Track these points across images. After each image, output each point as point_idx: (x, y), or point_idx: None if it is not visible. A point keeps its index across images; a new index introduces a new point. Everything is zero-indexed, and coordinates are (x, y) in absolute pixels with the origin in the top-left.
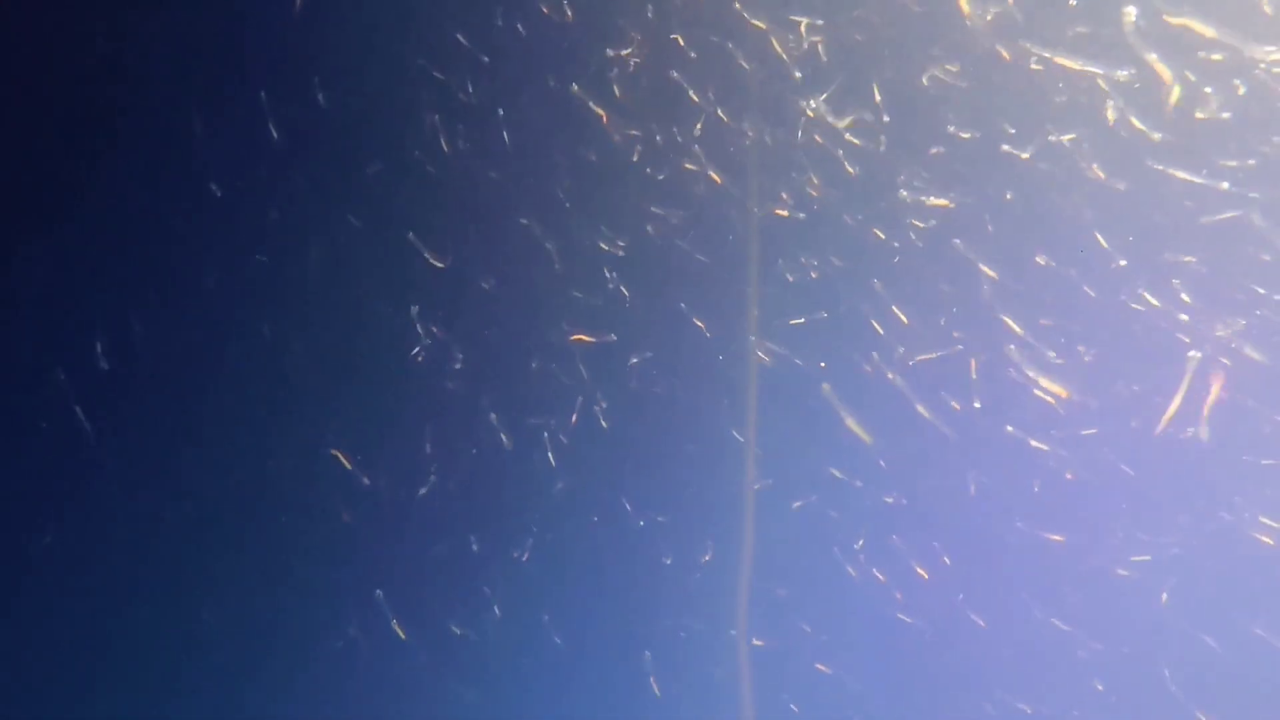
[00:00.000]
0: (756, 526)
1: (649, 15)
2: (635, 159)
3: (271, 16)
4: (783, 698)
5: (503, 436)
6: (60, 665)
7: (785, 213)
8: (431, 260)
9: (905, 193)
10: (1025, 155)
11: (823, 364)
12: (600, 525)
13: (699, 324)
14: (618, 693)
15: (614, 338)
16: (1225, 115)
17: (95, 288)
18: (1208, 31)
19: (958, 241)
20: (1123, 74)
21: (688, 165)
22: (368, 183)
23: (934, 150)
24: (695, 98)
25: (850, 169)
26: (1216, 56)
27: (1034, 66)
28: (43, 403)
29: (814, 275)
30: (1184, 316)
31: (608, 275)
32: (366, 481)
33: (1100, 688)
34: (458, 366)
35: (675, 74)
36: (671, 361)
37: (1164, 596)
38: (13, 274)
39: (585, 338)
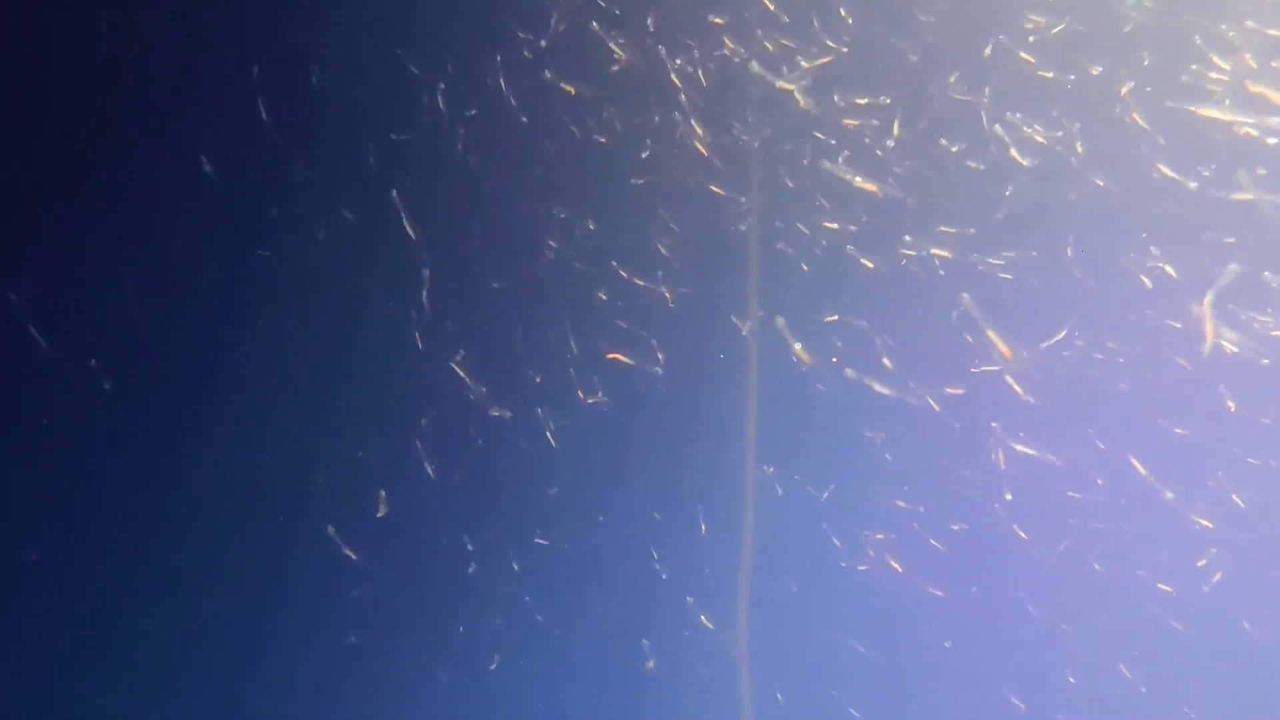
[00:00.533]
0: (757, 526)
1: (649, 15)
2: (639, 157)
3: (272, 12)
4: (781, 697)
5: (503, 434)
6: (60, 665)
7: (787, 212)
8: (430, 258)
9: (906, 193)
10: (1026, 160)
11: (835, 359)
12: (601, 525)
13: (699, 324)
14: (617, 692)
15: (658, 371)
16: (1228, 113)
17: (95, 286)
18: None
19: (959, 241)
20: (1127, 85)
21: (688, 164)
22: (367, 178)
23: (935, 150)
24: (695, 97)
25: (851, 168)
26: (1218, 59)
27: (1041, 74)
28: (42, 400)
29: (815, 275)
30: (1186, 317)
31: (608, 274)
32: (365, 481)
33: (1099, 689)
34: (458, 364)
35: (675, 74)
36: (672, 361)
37: (1170, 590)
38: (12, 272)
39: (623, 358)
